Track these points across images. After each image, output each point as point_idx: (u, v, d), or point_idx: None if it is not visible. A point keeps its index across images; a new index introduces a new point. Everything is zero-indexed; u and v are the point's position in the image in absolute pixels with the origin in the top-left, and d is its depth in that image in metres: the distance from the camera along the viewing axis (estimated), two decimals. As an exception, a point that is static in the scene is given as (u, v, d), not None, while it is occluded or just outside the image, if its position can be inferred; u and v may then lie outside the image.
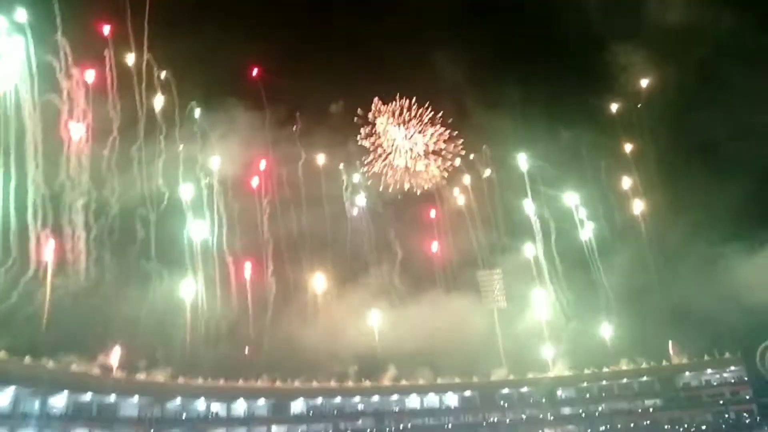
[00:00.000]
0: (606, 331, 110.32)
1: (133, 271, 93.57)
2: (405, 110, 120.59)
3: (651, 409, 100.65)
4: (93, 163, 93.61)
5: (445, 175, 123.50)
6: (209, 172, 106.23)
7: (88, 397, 76.48)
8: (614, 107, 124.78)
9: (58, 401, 74.11)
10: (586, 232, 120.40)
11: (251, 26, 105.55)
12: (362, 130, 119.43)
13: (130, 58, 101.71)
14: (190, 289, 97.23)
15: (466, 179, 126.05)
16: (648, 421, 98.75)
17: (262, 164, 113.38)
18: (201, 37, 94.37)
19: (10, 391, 68.72)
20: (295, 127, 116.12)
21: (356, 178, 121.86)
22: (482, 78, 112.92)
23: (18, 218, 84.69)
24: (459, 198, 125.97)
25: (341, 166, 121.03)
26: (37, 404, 71.57)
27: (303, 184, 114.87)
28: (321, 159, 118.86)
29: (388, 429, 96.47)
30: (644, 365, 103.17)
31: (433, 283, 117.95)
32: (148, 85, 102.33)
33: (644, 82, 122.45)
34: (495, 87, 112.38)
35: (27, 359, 69.36)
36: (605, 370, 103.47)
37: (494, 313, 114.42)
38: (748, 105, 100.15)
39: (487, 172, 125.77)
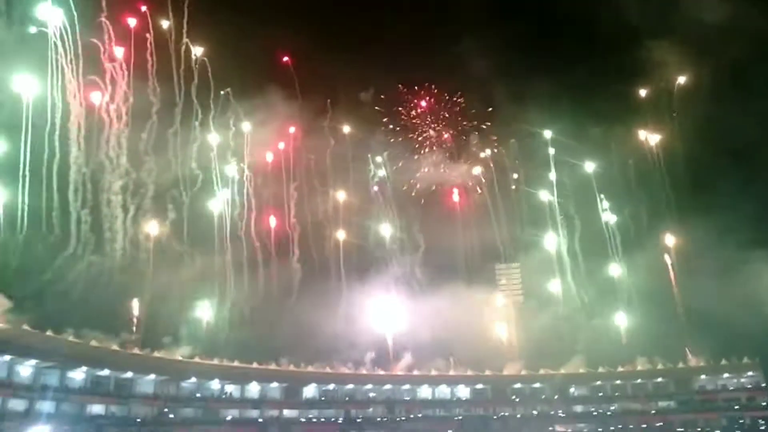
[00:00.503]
0: (623, 329, 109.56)
1: (167, 250, 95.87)
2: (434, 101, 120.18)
3: (665, 411, 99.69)
4: (131, 144, 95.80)
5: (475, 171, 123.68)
6: (240, 157, 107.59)
7: (105, 372, 78.12)
8: (645, 107, 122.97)
9: (77, 375, 76.00)
10: (609, 229, 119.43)
11: (284, 13, 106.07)
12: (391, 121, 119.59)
13: (168, 43, 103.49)
14: (217, 270, 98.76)
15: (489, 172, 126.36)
16: (661, 423, 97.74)
17: (280, 146, 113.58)
18: (234, 26, 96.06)
19: (31, 363, 70.40)
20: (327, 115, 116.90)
21: (382, 169, 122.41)
22: (512, 70, 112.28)
23: (60, 196, 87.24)
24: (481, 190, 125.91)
25: (369, 155, 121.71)
26: (56, 378, 73.50)
27: (331, 170, 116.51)
28: (348, 148, 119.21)
29: (398, 418, 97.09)
30: (660, 366, 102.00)
31: (452, 274, 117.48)
32: (186, 69, 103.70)
33: (677, 80, 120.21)
34: (524, 80, 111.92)
35: (48, 332, 70.75)
36: (620, 369, 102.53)
37: (510, 306, 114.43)
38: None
39: (513, 172, 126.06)
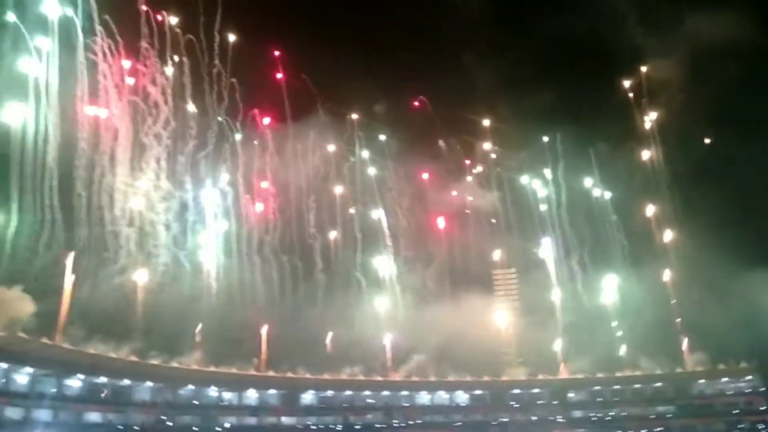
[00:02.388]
0: (620, 334, 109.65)
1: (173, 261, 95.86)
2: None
3: (664, 416, 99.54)
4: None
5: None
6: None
7: (102, 379, 77.65)
8: (644, 123, 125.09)
9: (74, 383, 75.55)
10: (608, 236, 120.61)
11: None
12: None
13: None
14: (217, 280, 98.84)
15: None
16: (660, 428, 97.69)
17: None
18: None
19: (28, 371, 69.95)
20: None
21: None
22: (514, 85, 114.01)
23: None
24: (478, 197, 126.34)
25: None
26: (53, 385, 73.02)
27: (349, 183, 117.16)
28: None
29: (396, 424, 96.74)
30: (658, 371, 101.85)
31: (448, 280, 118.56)
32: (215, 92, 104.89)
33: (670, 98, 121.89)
34: (528, 95, 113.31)
35: (44, 340, 70.25)
36: (618, 374, 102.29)
37: (508, 312, 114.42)
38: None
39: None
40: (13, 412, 67.43)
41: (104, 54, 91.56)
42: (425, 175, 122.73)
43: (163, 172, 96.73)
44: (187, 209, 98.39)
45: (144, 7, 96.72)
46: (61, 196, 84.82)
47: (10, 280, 74.23)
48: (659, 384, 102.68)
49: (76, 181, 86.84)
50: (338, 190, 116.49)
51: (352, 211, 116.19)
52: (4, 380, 68.26)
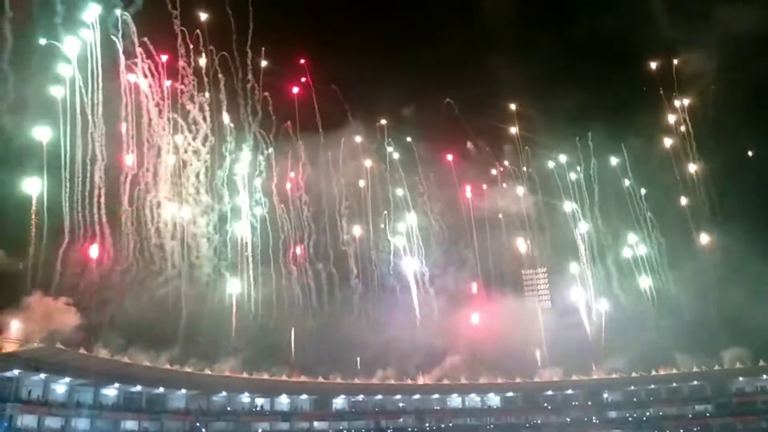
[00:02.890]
0: (656, 332, 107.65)
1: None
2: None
3: (702, 415, 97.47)
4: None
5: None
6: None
7: (138, 388, 79.13)
8: (677, 118, 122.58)
9: (110, 392, 77.13)
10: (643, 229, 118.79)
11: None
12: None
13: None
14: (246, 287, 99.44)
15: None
16: (698, 427, 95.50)
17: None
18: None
19: (65, 381, 71.69)
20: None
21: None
22: (544, 83, 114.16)
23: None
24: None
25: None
26: (90, 395, 74.74)
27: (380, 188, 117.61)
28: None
29: (428, 427, 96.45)
30: (695, 369, 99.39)
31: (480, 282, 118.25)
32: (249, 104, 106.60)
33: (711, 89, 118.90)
34: (558, 93, 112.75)
35: (81, 350, 71.91)
36: (654, 373, 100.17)
37: (539, 312, 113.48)
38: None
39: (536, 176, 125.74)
40: (52, 422, 69.31)
41: (145, 74, 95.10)
42: (455, 176, 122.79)
43: (203, 185, 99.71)
44: (226, 221, 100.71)
45: (180, 28, 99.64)
46: (108, 211, 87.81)
47: (58, 292, 77.61)
48: (697, 382, 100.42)
49: (121, 197, 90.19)
50: (369, 195, 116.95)
51: (383, 215, 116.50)
52: (43, 390, 69.99)
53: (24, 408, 66.65)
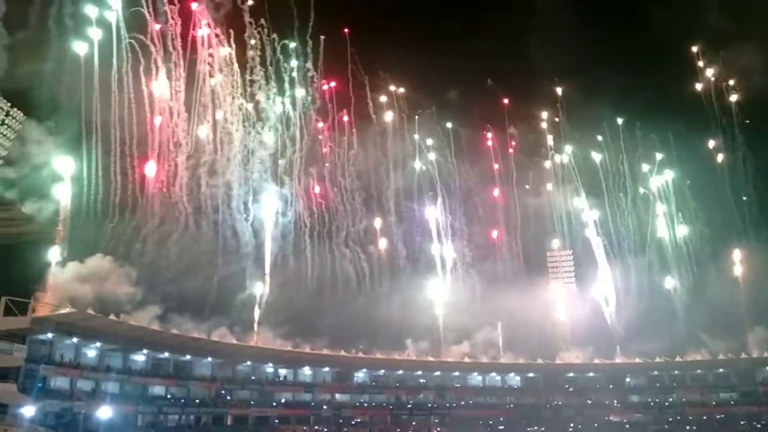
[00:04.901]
0: (680, 318, 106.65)
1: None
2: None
3: (726, 403, 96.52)
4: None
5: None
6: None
7: (165, 355, 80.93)
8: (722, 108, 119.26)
9: (139, 358, 79.15)
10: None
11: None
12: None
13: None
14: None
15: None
16: (722, 415, 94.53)
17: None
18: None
19: (96, 346, 73.65)
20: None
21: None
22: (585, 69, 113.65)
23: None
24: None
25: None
26: (120, 360, 76.80)
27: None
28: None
29: (449, 404, 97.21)
30: (721, 356, 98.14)
31: (502, 262, 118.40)
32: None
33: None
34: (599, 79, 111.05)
35: (111, 316, 73.69)
36: (678, 359, 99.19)
37: (563, 294, 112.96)
38: None
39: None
40: (84, 384, 71.52)
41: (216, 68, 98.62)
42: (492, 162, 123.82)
43: (265, 173, 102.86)
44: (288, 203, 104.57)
45: (248, 20, 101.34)
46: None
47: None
48: (722, 370, 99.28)
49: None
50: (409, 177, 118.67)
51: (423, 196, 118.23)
52: (75, 354, 72.12)
53: (57, 370, 68.62)
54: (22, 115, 69.58)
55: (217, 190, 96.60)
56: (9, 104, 68.07)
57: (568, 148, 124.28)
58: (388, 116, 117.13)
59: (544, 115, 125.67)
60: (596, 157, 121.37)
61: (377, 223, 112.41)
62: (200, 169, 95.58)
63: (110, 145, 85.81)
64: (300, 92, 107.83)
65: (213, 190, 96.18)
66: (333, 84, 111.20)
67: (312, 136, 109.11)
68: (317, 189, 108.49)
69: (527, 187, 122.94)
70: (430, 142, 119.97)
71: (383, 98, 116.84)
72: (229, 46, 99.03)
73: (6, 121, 67.46)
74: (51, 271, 75.59)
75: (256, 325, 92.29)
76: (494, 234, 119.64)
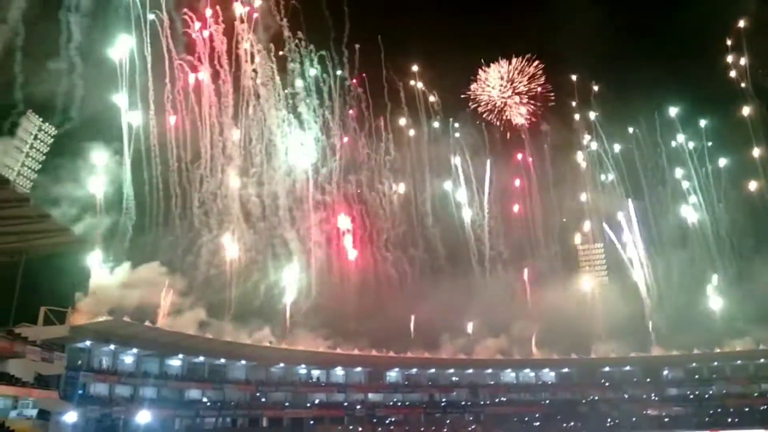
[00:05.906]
0: (717, 309, 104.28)
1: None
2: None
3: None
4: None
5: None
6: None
7: (200, 359, 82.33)
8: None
9: (175, 363, 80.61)
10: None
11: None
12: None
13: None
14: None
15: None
16: (765, 406, 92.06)
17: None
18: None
19: (133, 352, 75.27)
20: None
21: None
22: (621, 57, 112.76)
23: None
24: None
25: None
26: (156, 365, 78.36)
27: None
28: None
29: (482, 402, 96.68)
30: (762, 347, 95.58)
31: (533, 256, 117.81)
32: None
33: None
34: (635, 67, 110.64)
35: (147, 323, 75.17)
36: (717, 350, 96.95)
37: (596, 287, 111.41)
38: None
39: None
40: (122, 390, 72.95)
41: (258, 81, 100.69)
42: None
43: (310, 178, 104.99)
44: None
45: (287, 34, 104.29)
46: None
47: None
48: (763, 360, 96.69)
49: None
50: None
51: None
52: (112, 360, 73.75)
53: (96, 377, 70.16)
54: (54, 129, 71.20)
55: (264, 200, 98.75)
56: (41, 120, 69.81)
57: (603, 141, 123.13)
58: (423, 120, 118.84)
59: (574, 104, 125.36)
60: (631, 149, 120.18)
61: (415, 224, 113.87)
62: (248, 179, 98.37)
63: (168, 159, 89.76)
64: (337, 101, 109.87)
65: (260, 200, 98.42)
66: (363, 89, 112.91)
67: (349, 142, 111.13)
68: (356, 193, 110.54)
69: (562, 180, 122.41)
70: (464, 141, 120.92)
71: (417, 103, 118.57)
72: (270, 61, 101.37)
73: (39, 136, 69.09)
74: (93, 278, 77.15)
75: (293, 328, 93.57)
76: (528, 229, 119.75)
